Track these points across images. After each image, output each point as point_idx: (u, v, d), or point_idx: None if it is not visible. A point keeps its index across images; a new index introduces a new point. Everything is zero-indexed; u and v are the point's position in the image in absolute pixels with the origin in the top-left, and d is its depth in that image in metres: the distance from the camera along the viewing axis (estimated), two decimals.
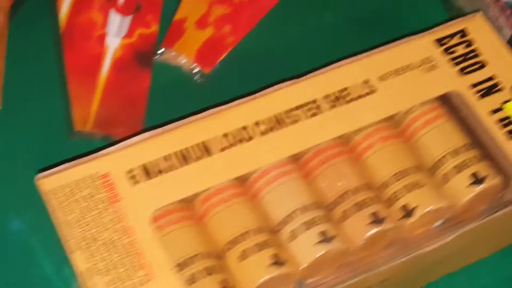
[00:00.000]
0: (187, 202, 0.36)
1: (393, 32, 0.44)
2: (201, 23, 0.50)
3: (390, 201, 0.37)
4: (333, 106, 0.38)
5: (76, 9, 0.48)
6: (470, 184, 0.37)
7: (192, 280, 0.33)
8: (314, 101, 0.38)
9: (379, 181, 0.37)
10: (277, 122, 0.37)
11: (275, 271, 0.34)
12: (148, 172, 0.35)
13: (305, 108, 0.38)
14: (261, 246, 0.34)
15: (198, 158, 0.36)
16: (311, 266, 0.34)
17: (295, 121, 0.38)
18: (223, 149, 0.36)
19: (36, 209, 0.40)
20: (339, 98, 0.38)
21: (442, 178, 0.37)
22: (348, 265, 0.36)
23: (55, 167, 0.35)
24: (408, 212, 0.36)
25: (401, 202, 0.36)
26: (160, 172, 0.35)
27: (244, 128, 0.37)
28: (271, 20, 0.51)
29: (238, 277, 0.34)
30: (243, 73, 0.49)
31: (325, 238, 0.35)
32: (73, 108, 0.45)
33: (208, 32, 0.50)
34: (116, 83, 0.46)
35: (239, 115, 0.37)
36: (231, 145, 0.37)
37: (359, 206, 0.36)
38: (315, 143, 0.37)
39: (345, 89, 0.39)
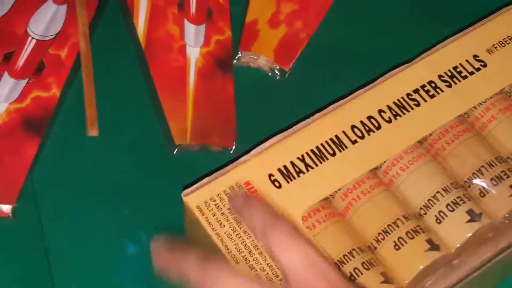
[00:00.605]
0: (326, 199, 0.36)
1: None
2: (273, 22, 0.50)
3: None
4: (449, 85, 0.38)
5: (152, 24, 0.48)
6: None
7: (353, 276, 0.33)
8: (430, 82, 0.38)
9: (508, 151, 0.38)
10: (400, 108, 0.38)
11: (433, 256, 0.34)
12: (287, 174, 0.35)
13: (423, 90, 0.38)
14: (413, 233, 0.34)
15: (332, 154, 0.36)
16: (462, 246, 0.35)
17: (417, 105, 0.38)
18: (354, 142, 0.37)
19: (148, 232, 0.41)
20: (453, 77, 0.39)
21: None
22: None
23: (195, 183, 0.35)
24: None
25: None
26: (299, 173, 0.35)
27: (370, 118, 0.37)
28: (338, 10, 0.52)
29: (396, 267, 0.34)
30: (321, 66, 0.49)
31: (473, 216, 0.35)
32: (169, 122, 0.45)
33: (281, 30, 0.49)
34: (204, 92, 0.46)
35: (361, 106, 0.37)
36: (361, 137, 0.37)
37: (498, 179, 0.36)
38: (441, 123, 0.37)
39: (457, 66, 0.39)
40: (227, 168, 0.35)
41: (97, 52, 0.47)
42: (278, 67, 0.48)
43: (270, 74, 0.48)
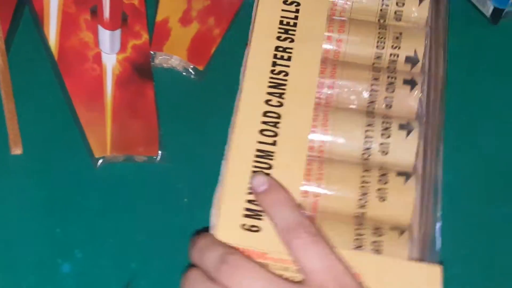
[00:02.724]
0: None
1: None
2: (185, 20, 0.50)
3: None
4: (291, 39, 0.42)
5: (64, 32, 0.48)
6: None
7: (378, 251, 0.37)
8: (277, 48, 0.42)
9: (371, 56, 0.42)
10: (277, 87, 0.41)
11: (413, 183, 0.38)
12: (254, 213, 0.37)
13: (278, 58, 0.42)
14: (383, 178, 0.38)
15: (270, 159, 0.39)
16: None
17: (286, 74, 0.41)
18: (274, 135, 0.39)
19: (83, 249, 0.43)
20: (287, 31, 0.43)
21: None
22: None
23: None
24: None
25: None
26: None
27: (266, 113, 0.40)
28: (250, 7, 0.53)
29: (394, 214, 0.38)
30: (237, 63, 0.50)
31: (406, 128, 0.40)
32: (88, 136, 0.46)
33: (193, 27, 0.50)
34: (123, 101, 0.47)
35: (250, 106, 0.41)
36: (274, 133, 0.39)
37: (389, 85, 0.42)
38: (315, 74, 0.41)
39: (281, 20, 0.43)
40: None
41: (15, 66, 0.47)
42: (192, 66, 0.49)
43: (184, 74, 0.50)
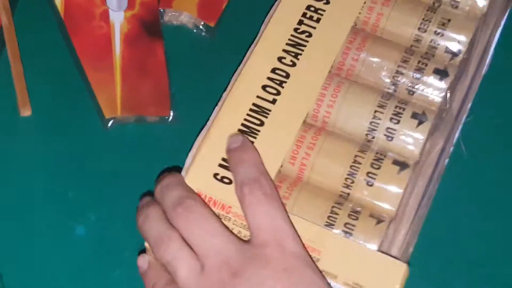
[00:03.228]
0: (278, 172, 0.37)
1: None
2: None
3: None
4: (327, 1, 0.40)
5: None
6: None
7: (348, 233, 0.35)
8: (309, 7, 0.40)
9: (408, 40, 0.39)
10: (296, 47, 0.39)
11: (407, 175, 0.36)
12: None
13: (307, 18, 0.39)
14: (377, 163, 0.36)
15: (260, 124, 0.37)
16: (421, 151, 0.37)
17: (309, 35, 0.39)
18: (273, 102, 0.37)
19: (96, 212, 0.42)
20: None
21: None
22: None
23: None
24: None
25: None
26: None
27: (275, 70, 0.38)
28: None
29: (378, 202, 0.36)
30: (248, 19, 0.49)
31: (419, 118, 0.37)
32: (97, 96, 0.45)
33: None
34: (132, 61, 0.46)
35: (259, 61, 0.39)
36: (276, 93, 0.38)
37: (419, 71, 0.38)
38: (340, 42, 0.39)
39: None
40: None
41: (21, 25, 0.46)
42: (203, 23, 0.48)
43: (195, 31, 0.48)
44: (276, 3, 0.41)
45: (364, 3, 0.40)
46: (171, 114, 0.45)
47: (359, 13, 0.40)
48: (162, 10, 0.48)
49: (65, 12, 0.46)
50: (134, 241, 0.41)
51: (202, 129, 0.38)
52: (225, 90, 0.39)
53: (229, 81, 0.40)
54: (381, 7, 0.40)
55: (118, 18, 0.47)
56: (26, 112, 0.44)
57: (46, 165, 0.44)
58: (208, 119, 0.39)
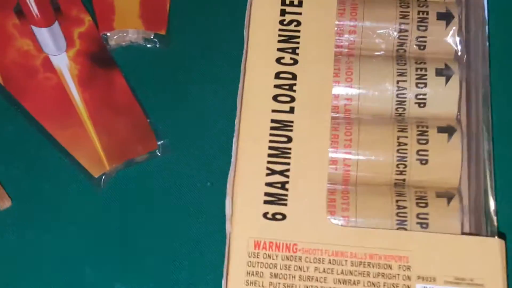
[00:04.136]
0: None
1: None
2: None
3: None
4: None
5: None
6: None
7: (424, 224, 0.32)
8: None
9: None
10: (288, 41, 0.35)
11: (458, 140, 0.33)
12: (276, 198, 0.32)
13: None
14: (423, 136, 0.33)
15: (287, 140, 0.33)
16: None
17: (297, 23, 0.35)
18: (291, 111, 0.34)
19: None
20: None
21: None
22: None
23: None
24: None
25: None
26: (284, 185, 0.32)
27: (279, 74, 0.34)
28: None
29: (439, 178, 0.33)
30: (200, 16, 0.44)
31: (444, 72, 0.34)
32: (76, 157, 0.39)
33: None
34: (97, 102, 0.40)
35: (261, 62, 0.34)
36: (290, 101, 0.34)
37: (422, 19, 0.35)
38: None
39: None
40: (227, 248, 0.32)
41: None
42: (153, 34, 0.43)
43: (148, 45, 0.43)
44: (248, 2, 0.36)
45: None
46: (159, 145, 0.40)
47: None
48: (104, 35, 0.42)
49: (2, 75, 0.40)
50: None
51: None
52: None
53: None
54: None
55: (62, 62, 0.41)
56: (5, 204, 0.38)
57: (44, 253, 0.38)
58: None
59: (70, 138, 0.39)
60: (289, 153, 0.33)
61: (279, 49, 0.34)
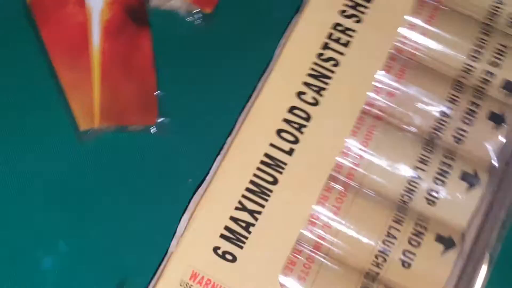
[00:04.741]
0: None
1: None
2: None
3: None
4: (358, 20, 0.32)
5: None
6: None
7: None
8: (336, 26, 0.32)
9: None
10: (319, 78, 0.31)
11: (450, 264, 0.29)
12: (235, 237, 0.29)
13: (333, 40, 0.32)
14: (417, 238, 0.30)
15: (273, 182, 0.30)
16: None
17: (335, 64, 0.31)
18: (290, 152, 0.30)
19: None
20: (356, 6, 0.32)
21: None
22: None
23: None
24: None
25: None
26: (248, 227, 0.29)
27: (293, 109, 0.31)
28: None
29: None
30: (252, 9, 0.41)
31: (470, 180, 0.30)
32: (71, 103, 0.37)
33: None
34: (114, 56, 0.38)
35: (274, 97, 0.31)
36: (294, 141, 0.31)
37: (471, 113, 0.31)
38: (374, 71, 0.31)
39: None
40: (161, 268, 0.29)
41: None
42: (197, 9, 0.40)
43: (188, 18, 0.40)
44: (294, 19, 0.33)
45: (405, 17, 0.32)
46: (158, 122, 0.38)
47: (397, 31, 0.32)
48: None
49: None
50: (111, 276, 0.36)
51: (198, 187, 0.31)
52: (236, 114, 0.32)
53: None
54: (426, 24, 0.32)
55: (97, 3, 0.38)
56: None
57: (9, 186, 0.37)
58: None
59: (72, 81, 0.37)
60: (269, 195, 0.30)
61: (304, 83, 0.31)
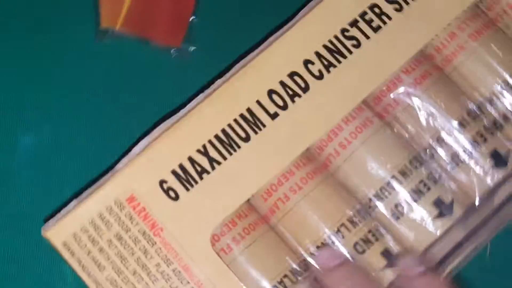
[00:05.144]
0: (245, 205, 0.29)
1: None
2: None
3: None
4: (399, 8, 0.30)
5: None
6: None
7: None
8: (373, 7, 0.30)
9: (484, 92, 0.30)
10: (334, 54, 0.29)
11: (390, 276, 0.28)
12: (186, 177, 0.28)
13: (364, 21, 0.29)
14: (363, 244, 0.28)
15: (245, 138, 0.28)
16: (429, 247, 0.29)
17: (357, 45, 0.29)
18: (274, 116, 0.28)
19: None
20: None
21: None
22: None
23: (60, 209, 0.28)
24: None
25: None
26: (201, 173, 0.28)
27: (293, 75, 0.29)
28: None
29: None
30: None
31: (442, 208, 0.29)
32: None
33: None
34: None
35: (279, 57, 0.29)
36: (283, 106, 0.29)
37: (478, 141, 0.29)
38: (393, 69, 0.29)
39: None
40: (102, 180, 0.28)
41: None
42: None
43: None
44: None
45: (448, 24, 0.30)
46: (181, 45, 0.37)
47: (435, 35, 0.30)
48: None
49: None
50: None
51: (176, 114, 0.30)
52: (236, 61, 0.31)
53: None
54: (467, 39, 0.30)
55: None
56: None
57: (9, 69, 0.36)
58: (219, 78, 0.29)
59: None
60: (235, 150, 0.28)
61: (316, 53, 0.29)
